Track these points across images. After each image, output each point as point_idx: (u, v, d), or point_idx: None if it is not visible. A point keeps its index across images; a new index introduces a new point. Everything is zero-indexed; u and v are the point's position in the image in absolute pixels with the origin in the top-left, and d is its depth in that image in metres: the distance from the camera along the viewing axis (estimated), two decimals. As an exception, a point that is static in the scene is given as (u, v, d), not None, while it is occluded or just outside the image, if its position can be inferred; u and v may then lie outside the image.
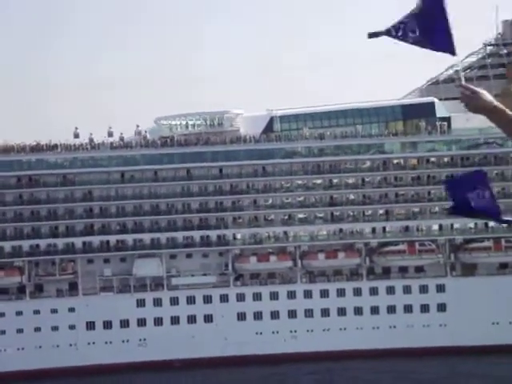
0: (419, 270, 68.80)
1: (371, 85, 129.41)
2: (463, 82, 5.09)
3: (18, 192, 67.40)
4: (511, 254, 67.91)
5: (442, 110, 71.39)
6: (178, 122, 71.86)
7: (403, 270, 68.77)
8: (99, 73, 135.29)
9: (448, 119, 71.12)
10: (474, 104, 4.92)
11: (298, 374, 62.27)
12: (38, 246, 67.17)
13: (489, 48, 77.16)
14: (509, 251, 67.86)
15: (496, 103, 5.17)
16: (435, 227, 69.13)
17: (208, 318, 66.40)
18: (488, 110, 4.94)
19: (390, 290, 67.45)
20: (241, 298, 66.90)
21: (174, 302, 66.48)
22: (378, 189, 69.41)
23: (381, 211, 69.50)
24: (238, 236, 68.32)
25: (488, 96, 5.17)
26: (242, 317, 66.51)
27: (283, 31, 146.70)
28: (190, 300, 66.51)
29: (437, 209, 69.49)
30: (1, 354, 64.39)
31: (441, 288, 67.53)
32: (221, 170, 68.75)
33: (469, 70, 77.08)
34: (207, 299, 66.63)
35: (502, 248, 67.73)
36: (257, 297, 66.90)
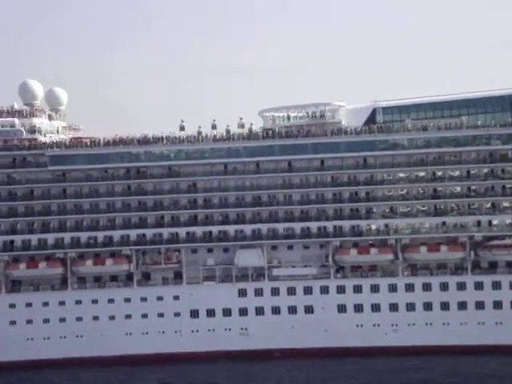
0: (527, 265, 66.74)
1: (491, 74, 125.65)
2: None
3: (127, 183, 69.86)
4: None
5: (552, 100, 68.83)
6: (281, 115, 72.50)
7: (510, 265, 66.82)
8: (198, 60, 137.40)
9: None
10: None
11: (398, 367, 61.67)
12: (144, 235, 69.42)
13: None
14: None
15: None
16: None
17: (308, 309, 66.76)
18: None
19: (496, 285, 65.71)
20: (341, 290, 66.88)
21: (275, 292, 67.23)
22: (483, 181, 67.69)
23: (487, 204, 67.75)
24: (339, 228, 68.27)
25: None
26: (342, 309, 66.49)
27: (386, 17, 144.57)
28: (291, 291, 67.07)
29: (546, 202, 67.13)
30: (110, 338, 67.02)
31: (550, 284, 65.26)
32: (322, 162, 68.87)
33: None
34: (308, 290, 67.00)
35: None
36: (357, 289, 66.71)
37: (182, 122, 71.63)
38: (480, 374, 58.50)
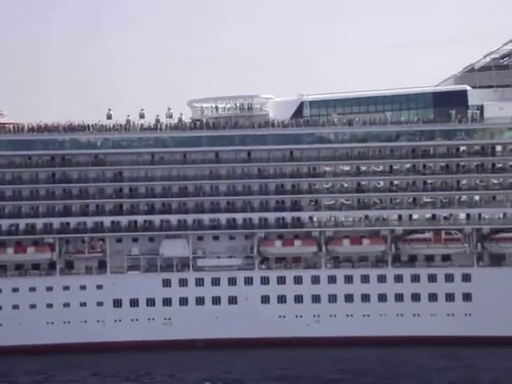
0: (446, 258, 68.59)
1: (410, 72, 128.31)
2: None
3: (51, 170, 68.91)
4: (539, 246, 67.26)
5: (474, 98, 70.78)
6: (209, 105, 72.60)
7: (430, 258, 68.63)
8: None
9: (481, 107, 70.46)
10: None
11: (320, 358, 62.73)
12: (68, 223, 68.67)
13: (527, 36, 75.96)
14: (536, 242, 67.24)
15: None
16: (462, 216, 68.74)
17: (232, 300, 67.26)
18: None
19: (415, 278, 67.41)
20: (265, 281, 67.57)
21: (200, 282, 67.49)
22: (405, 176, 69.25)
23: (408, 199, 69.36)
24: (264, 220, 68.92)
25: None
26: (265, 300, 67.20)
27: (308, 22, 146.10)
28: (215, 281, 67.44)
29: (464, 198, 69.10)
30: (30, 327, 66.16)
31: (467, 278, 67.25)
32: (249, 154, 69.33)
33: (506, 58, 76.16)
34: (232, 281, 67.46)
35: (529, 239, 67.15)
36: (281, 280, 67.50)
37: (110, 110, 71.00)
38: (411, 364, 59.85)
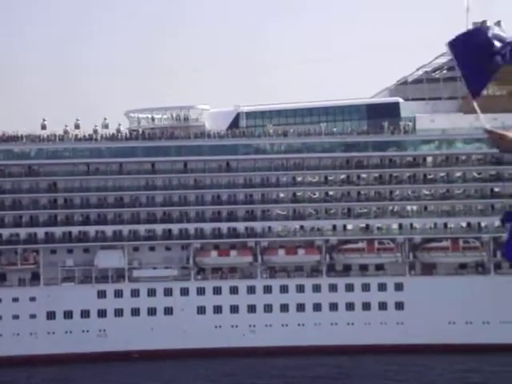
0: (380, 268, 69.77)
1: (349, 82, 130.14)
2: (489, 128, 5.38)
3: (-17, 181, 67.88)
4: (469, 255, 68.94)
5: (406, 110, 72.26)
6: (145, 116, 72.53)
7: (364, 267, 69.72)
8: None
9: (413, 119, 71.96)
10: (505, 146, 5.47)
11: (257, 367, 63.03)
12: (0, 235, 67.66)
13: (458, 50, 77.88)
14: (466, 252, 68.91)
15: None
16: (395, 226, 70.06)
17: (168, 311, 67.17)
18: None
19: (349, 288, 68.34)
20: (201, 291, 67.69)
21: (135, 293, 67.21)
22: (340, 187, 70.29)
23: (342, 209, 70.39)
24: (200, 230, 69.09)
25: None
26: (201, 310, 67.32)
27: (263, 28, 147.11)
28: (151, 292, 67.26)
29: (397, 208, 70.47)
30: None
31: (399, 287, 68.48)
32: (185, 165, 69.45)
33: (438, 71, 77.95)
34: (168, 292, 67.39)
35: (460, 248, 68.78)
36: (217, 291, 67.71)
37: (44, 120, 70.29)
38: (362, 373, 60.50)
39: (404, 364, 62.69)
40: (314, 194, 70.58)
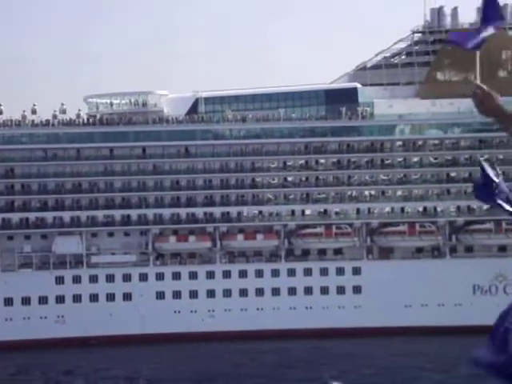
0: (338, 252, 70.40)
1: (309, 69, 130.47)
2: (478, 82, 4.98)
3: None
4: (425, 239, 69.87)
5: (365, 95, 72.75)
6: (104, 101, 72.15)
7: (322, 252, 70.30)
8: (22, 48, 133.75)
9: (371, 105, 72.48)
10: (487, 105, 4.91)
11: (216, 352, 63.41)
12: (-44, 221, 67.11)
13: (416, 35, 78.37)
14: (423, 236, 69.83)
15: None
16: (352, 211, 70.68)
17: (127, 297, 67.17)
18: (500, 112, 4.95)
19: (308, 272, 68.89)
20: (160, 277, 67.77)
21: (93, 279, 67.09)
22: (298, 172, 70.68)
23: (301, 195, 70.83)
24: (159, 216, 69.09)
25: (498, 99, 5.12)
26: (160, 296, 67.41)
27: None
28: (109, 278, 67.17)
29: (354, 193, 71.10)
30: None
31: (357, 271, 69.21)
32: (144, 150, 69.30)
33: (397, 57, 78.51)
34: (126, 278, 67.36)
35: (416, 233, 69.67)
36: (176, 276, 67.85)
37: (0, 105, 69.56)
38: (322, 357, 60.99)
39: (361, 347, 63.53)
40: (273, 180, 70.90)
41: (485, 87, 4.97)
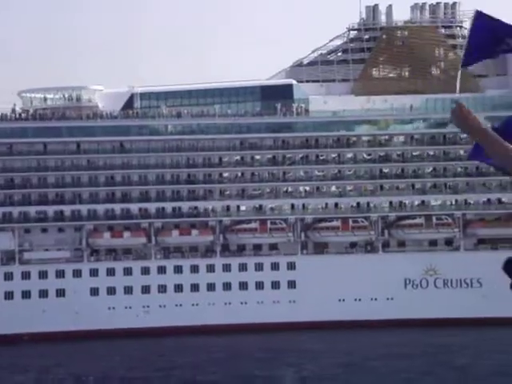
0: (273, 248, 70.98)
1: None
2: (462, 103, 4.81)
3: None
4: (358, 234, 70.91)
5: (300, 92, 73.38)
6: (38, 96, 71.39)
7: (258, 247, 70.79)
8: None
9: (306, 101, 73.17)
10: (470, 124, 4.76)
11: (150, 348, 63.39)
12: None
13: (352, 32, 79.21)
14: (356, 231, 70.83)
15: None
16: (287, 206, 71.33)
17: (60, 293, 66.68)
18: (481, 132, 4.82)
19: (243, 267, 69.31)
20: (94, 273, 67.44)
21: (26, 276, 66.42)
22: (234, 168, 71.02)
23: (236, 190, 71.19)
24: (93, 212, 68.72)
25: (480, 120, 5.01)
26: (94, 292, 67.10)
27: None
28: (42, 274, 66.59)
29: (290, 189, 71.72)
30: None
31: (291, 266, 69.89)
32: (78, 146, 68.82)
33: (333, 54, 79.29)
34: (60, 274, 66.87)
35: (349, 228, 70.64)
36: (110, 272, 67.59)
37: None
38: (255, 351, 61.29)
39: (295, 341, 64.22)
40: (209, 176, 71.09)
41: (465, 108, 4.80)
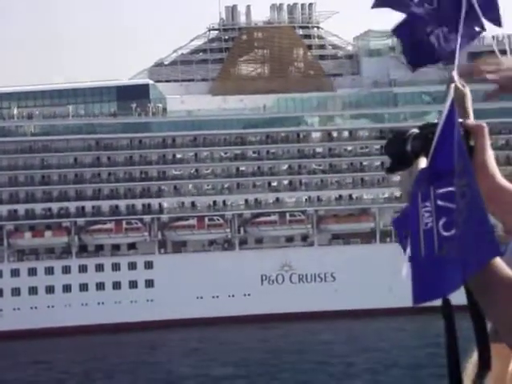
0: (131, 247, 71.03)
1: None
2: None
3: None
4: (214, 232, 71.75)
5: (156, 92, 73.64)
6: None
7: (116, 247, 70.70)
8: None
9: (164, 101, 73.49)
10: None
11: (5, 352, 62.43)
12: None
13: (212, 32, 80.00)
14: (212, 229, 71.63)
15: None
16: (141, 207, 71.52)
17: None
18: None
19: (100, 268, 69.12)
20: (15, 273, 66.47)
21: None
22: (89, 168, 70.76)
23: (92, 190, 70.97)
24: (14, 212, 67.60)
25: None
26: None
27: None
28: None
29: (146, 189, 71.98)
30: None
31: (149, 265, 70.12)
32: None
33: (194, 54, 79.82)
34: None
35: (205, 226, 71.37)
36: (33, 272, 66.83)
37: None
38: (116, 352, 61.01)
39: (155, 341, 64.49)
40: (65, 176, 70.62)
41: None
